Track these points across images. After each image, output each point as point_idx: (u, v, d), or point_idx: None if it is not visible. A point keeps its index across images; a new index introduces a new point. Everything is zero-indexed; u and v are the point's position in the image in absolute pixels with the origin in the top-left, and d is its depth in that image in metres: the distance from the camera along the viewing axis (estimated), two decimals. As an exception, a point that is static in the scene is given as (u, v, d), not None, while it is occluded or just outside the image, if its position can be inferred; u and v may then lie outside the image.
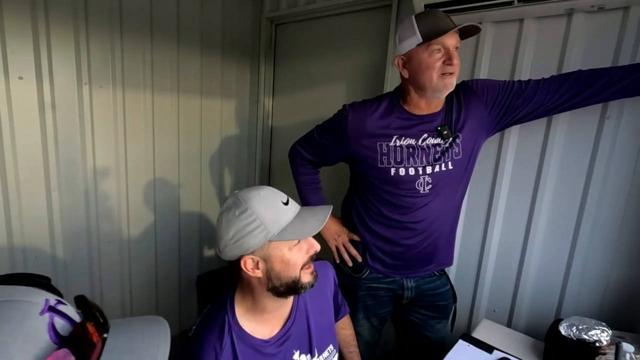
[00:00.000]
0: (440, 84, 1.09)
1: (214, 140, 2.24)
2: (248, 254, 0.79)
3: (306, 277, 0.85)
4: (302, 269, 0.84)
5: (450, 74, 1.08)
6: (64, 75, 1.57)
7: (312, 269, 0.87)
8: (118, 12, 1.69)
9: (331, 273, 1.08)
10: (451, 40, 1.06)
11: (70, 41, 1.57)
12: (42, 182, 1.58)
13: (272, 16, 2.21)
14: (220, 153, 2.28)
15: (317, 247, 0.86)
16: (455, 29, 1.03)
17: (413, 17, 1.09)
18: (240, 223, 0.78)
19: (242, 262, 0.80)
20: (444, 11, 1.18)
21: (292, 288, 0.84)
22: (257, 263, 0.81)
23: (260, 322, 0.88)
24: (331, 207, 0.88)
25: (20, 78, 1.46)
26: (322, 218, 0.83)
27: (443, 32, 1.03)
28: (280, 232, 0.79)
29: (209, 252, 2.36)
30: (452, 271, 1.56)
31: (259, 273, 0.81)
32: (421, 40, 1.06)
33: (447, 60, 1.06)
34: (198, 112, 2.11)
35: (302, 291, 0.85)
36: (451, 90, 1.12)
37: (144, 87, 1.84)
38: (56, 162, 1.59)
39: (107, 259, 1.85)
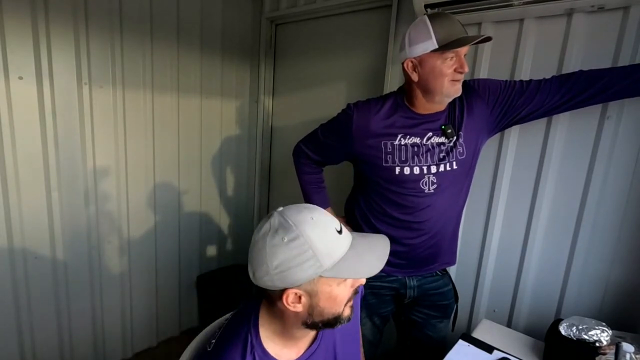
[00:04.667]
0: (452, 90, 1.10)
1: (214, 140, 2.25)
2: (293, 288, 0.70)
3: (347, 311, 0.77)
4: (346, 304, 0.76)
5: (458, 80, 1.09)
6: (64, 75, 1.57)
7: (352, 302, 0.79)
8: (118, 12, 1.69)
9: (360, 300, 1.00)
10: (464, 48, 1.07)
11: (70, 41, 1.57)
12: (42, 183, 1.58)
13: (272, 16, 2.21)
14: (221, 153, 2.28)
15: (363, 280, 0.78)
16: (475, 42, 1.03)
17: (427, 19, 1.07)
18: (290, 252, 0.68)
19: (284, 296, 0.70)
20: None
21: (330, 323, 0.76)
22: (300, 297, 0.71)
23: (287, 346, 0.81)
24: (388, 241, 0.80)
25: (20, 78, 1.46)
26: (382, 254, 0.76)
27: (462, 42, 1.03)
28: (334, 267, 0.70)
29: (209, 253, 2.36)
30: (452, 271, 1.56)
31: (299, 308, 0.72)
32: (437, 46, 1.05)
33: (459, 68, 1.07)
34: (198, 112, 2.11)
35: (338, 325, 0.77)
36: (459, 95, 1.13)
37: (144, 87, 1.84)
38: (56, 162, 1.60)
39: (107, 259, 1.85)
